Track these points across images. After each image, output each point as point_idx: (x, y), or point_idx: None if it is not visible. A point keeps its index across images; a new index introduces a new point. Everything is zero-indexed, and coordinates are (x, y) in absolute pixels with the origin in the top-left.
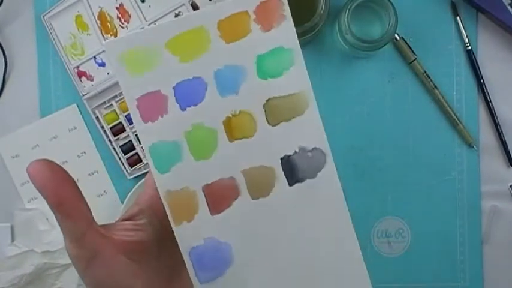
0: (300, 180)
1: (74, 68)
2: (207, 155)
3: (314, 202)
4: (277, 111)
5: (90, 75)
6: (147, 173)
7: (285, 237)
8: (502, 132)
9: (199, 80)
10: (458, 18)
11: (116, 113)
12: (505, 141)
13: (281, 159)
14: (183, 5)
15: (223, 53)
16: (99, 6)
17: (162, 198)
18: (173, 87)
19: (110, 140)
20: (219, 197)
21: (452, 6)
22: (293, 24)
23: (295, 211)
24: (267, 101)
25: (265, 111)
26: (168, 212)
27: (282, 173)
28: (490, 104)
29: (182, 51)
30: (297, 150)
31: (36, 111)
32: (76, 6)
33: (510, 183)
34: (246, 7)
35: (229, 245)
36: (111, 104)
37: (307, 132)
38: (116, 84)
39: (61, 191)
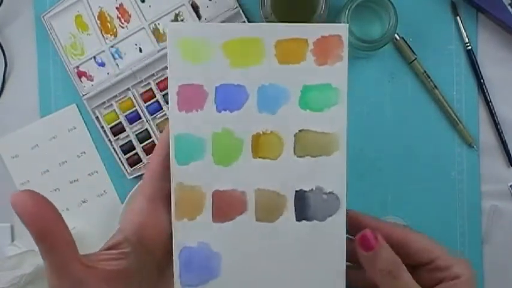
0: (308, 218)
1: (74, 68)
2: (227, 163)
3: (315, 245)
4: (307, 144)
5: (90, 75)
6: None
7: (276, 268)
8: (502, 132)
9: (243, 89)
10: (458, 18)
11: (116, 113)
12: (505, 141)
13: (296, 191)
14: (183, 5)
15: (273, 72)
16: (99, 6)
17: (172, 188)
18: (216, 87)
19: (109, 140)
20: (226, 207)
21: (452, 6)
22: (347, 66)
23: (294, 247)
24: (299, 131)
25: (295, 140)
26: (172, 203)
27: (293, 205)
28: (490, 104)
29: (235, 56)
30: (314, 189)
31: (36, 111)
32: (76, 6)
33: (510, 183)
34: (307, 36)
35: (220, 257)
36: (111, 104)
37: (329, 174)
38: (116, 84)
39: (45, 222)
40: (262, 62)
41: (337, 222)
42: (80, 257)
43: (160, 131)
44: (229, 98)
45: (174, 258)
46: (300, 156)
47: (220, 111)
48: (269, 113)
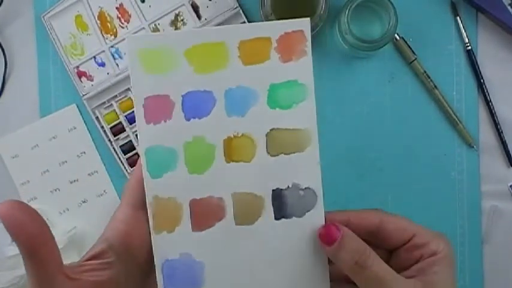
0: (287, 216)
1: (74, 68)
2: (201, 170)
3: (297, 241)
4: (279, 143)
5: (90, 75)
6: None
7: (259, 268)
8: (502, 132)
9: (210, 94)
10: (458, 18)
11: (116, 113)
12: (505, 141)
13: (273, 190)
14: (183, 5)
15: (239, 74)
16: (99, 6)
17: (147, 203)
18: (182, 95)
19: (109, 140)
20: (204, 214)
21: (452, 6)
22: (312, 61)
23: (275, 246)
24: (270, 130)
25: (267, 140)
26: (150, 217)
27: (271, 205)
28: (490, 104)
29: (199, 62)
30: (290, 186)
31: (36, 111)
32: (76, 6)
33: (510, 183)
34: (269, 34)
35: (203, 265)
36: (111, 104)
37: (303, 170)
38: (116, 84)
39: (33, 236)
40: (227, 65)
41: (316, 216)
42: (64, 269)
43: None
44: (197, 105)
45: (157, 271)
46: (274, 155)
47: (189, 120)
48: (238, 116)
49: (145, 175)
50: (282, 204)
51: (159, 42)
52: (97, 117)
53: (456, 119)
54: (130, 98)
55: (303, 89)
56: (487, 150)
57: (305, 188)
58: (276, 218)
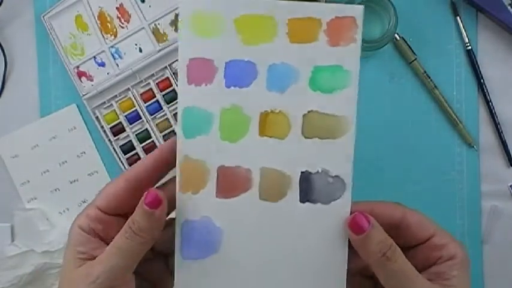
0: (312, 201)
1: (74, 68)
2: (234, 139)
3: (318, 228)
4: (315, 126)
5: (90, 75)
6: None
7: (277, 249)
8: (502, 132)
9: (253, 66)
10: (458, 18)
11: (116, 113)
12: (505, 141)
13: (302, 172)
14: None
15: (284, 50)
16: (99, 6)
17: (177, 161)
18: (226, 62)
19: (110, 140)
20: (230, 183)
21: (452, 6)
22: (360, 49)
23: (296, 228)
24: (308, 111)
25: (303, 121)
26: (177, 176)
27: (298, 186)
28: (490, 104)
29: (247, 33)
30: (320, 171)
31: (36, 111)
32: (76, 6)
33: (510, 183)
34: (320, 16)
35: (222, 232)
36: (111, 104)
37: (336, 158)
38: (116, 84)
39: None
40: (274, 39)
41: (342, 207)
42: None
43: (160, 131)
44: (239, 74)
45: (176, 230)
46: (308, 138)
47: (229, 87)
48: (278, 92)
49: (179, 134)
50: (309, 188)
51: (212, 6)
52: (97, 117)
53: (456, 119)
54: (130, 98)
55: (347, 76)
56: (487, 150)
57: (334, 176)
58: (301, 201)
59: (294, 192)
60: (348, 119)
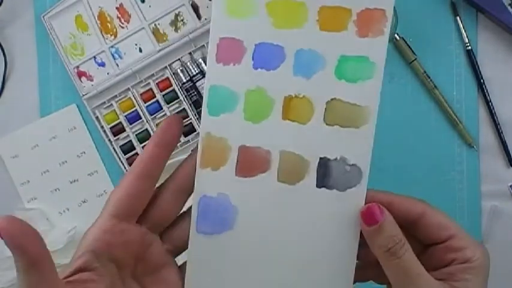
0: (328, 187)
1: (74, 68)
2: (257, 120)
3: (332, 214)
4: (337, 114)
5: (90, 75)
6: None
7: (290, 231)
8: (502, 132)
9: (281, 49)
10: (458, 18)
11: (116, 113)
12: (505, 141)
13: (320, 158)
14: (183, 5)
15: (313, 37)
16: (99, 6)
17: (200, 138)
18: (255, 44)
19: (110, 140)
20: (250, 163)
21: (452, 6)
22: (387, 42)
23: (310, 212)
24: (331, 99)
25: (326, 107)
26: (199, 152)
27: (315, 171)
28: (490, 104)
29: (278, 16)
30: (338, 158)
31: (36, 111)
32: (76, 6)
33: (510, 183)
34: (351, 6)
35: (237, 211)
36: (111, 104)
37: (355, 146)
38: (116, 84)
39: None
40: (304, 25)
41: (357, 196)
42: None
43: None
44: (267, 57)
45: (193, 204)
46: (329, 125)
47: (256, 69)
48: (304, 77)
49: (203, 111)
50: (326, 174)
51: None
52: (97, 117)
53: (456, 119)
54: (130, 98)
55: (373, 67)
56: (487, 150)
57: (352, 165)
58: (318, 186)
59: (311, 176)
60: (370, 110)
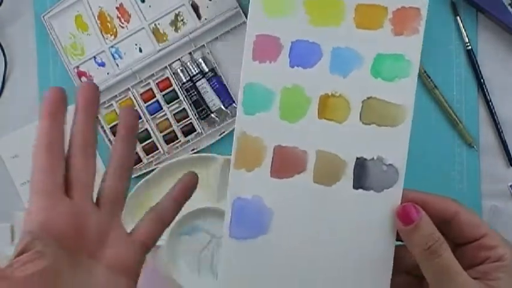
0: (365, 187)
1: (74, 68)
2: (293, 119)
3: (369, 215)
4: (374, 113)
5: (90, 75)
6: (147, 172)
7: (326, 233)
8: (502, 132)
9: (318, 47)
10: (458, 18)
11: (116, 113)
12: (505, 141)
13: (357, 158)
14: (183, 5)
15: (350, 35)
16: (99, 6)
17: (235, 137)
18: (292, 42)
19: (109, 140)
20: (286, 163)
21: (452, 6)
22: (422, 40)
23: (347, 213)
24: (368, 98)
25: (363, 106)
26: (233, 152)
27: (352, 172)
28: (490, 104)
29: (315, 14)
30: (375, 158)
31: (36, 111)
32: (76, 6)
33: (510, 183)
34: (387, 4)
35: (272, 213)
36: (111, 104)
37: (391, 146)
38: (116, 84)
39: None
40: (341, 23)
41: (393, 196)
42: None
43: (160, 131)
44: (304, 54)
45: (226, 207)
46: (366, 124)
47: (293, 67)
48: (340, 76)
49: (239, 109)
50: (363, 175)
51: None
52: (97, 117)
53: (456, 119)
54: (130, 98)
55: (408, 66)
56: (487, 150)
57: (389, 164)
58: (354, 187)
59: (348, 177)
60: (406, 108)
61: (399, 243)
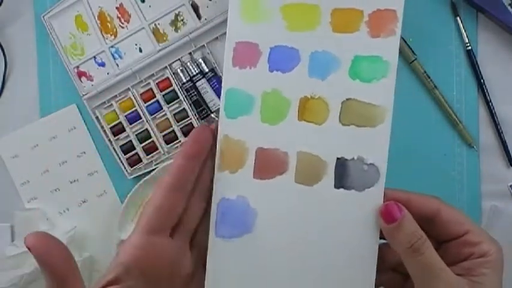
0: (346, 187)
1: (74, 68)
2: (274, 122)
3: (351, 214)
4: (352, 113)
5: (90, 75)
6: (147, 173)
7: (309, 231)
8: (502, 132)
9: (296, 52)
10: (458, 18)
11: (116, 113)
12: (505, 141)
13: (337, 158)
14: (183, 5)
15: (327, 39)
16: (99, 6)
17: (218, 140)
18: (270, 47)
19: (110, 140)
20: (267, 164)
21: (452, 6)
22: (399, 42)
23: (329, 213)
24: (347, 99)
25: (341, 108)
26: (217, 155)
27: (333, 172)
28: (490, 104)
29: (292, 20)
30: (355, 158)
31: (36, 111)
32: (76, 6)
33: (510, 183)
34: (363, 7)
35: (256, 213)
36: (111, 104)
37: (371, 146)
38: (116, 84)
39: (61, 269)
40: (317, 28)
41: (375, 195)
42: None
43: (160, 131)
44: (282, 59)
45: (212, 208)
46: (345, 125)
47: (272, 71)
48: (319, 79)
49: (221, 113)
50: (344, 174)
51: None
52: (97, 117)
53: (456, 119)
54: (130, 98)
55: (386, 67)
56: (487, 150)
57: (369, 164)
58: (336, 187)
59: (329, 177)
60: (385, 109)
61: (383, 241)
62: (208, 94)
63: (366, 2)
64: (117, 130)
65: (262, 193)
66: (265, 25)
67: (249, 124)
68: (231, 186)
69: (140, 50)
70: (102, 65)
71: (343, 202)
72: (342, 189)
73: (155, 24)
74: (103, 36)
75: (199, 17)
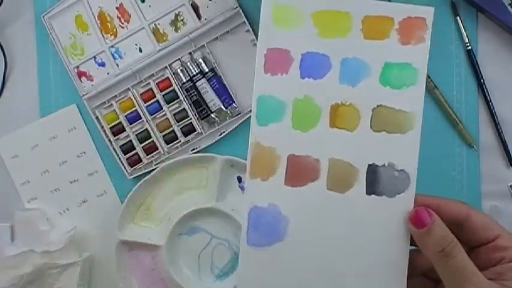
0: (377, 193)
1: (74, 68)
2: (305, 129)
3: (382, 220)
4: (383, 120)
5: (90, 75)
6: (147, 173)
7: (341, 239)
8: (502, 132)
9: (327, 59)
10: (458, 18)
11: (116, 113)
12: (505, 141)
13: (369, 165)
14: (183, 5)
15: (358, 46)
16: (99, 6)
17: (249, 147)
18: (302, 54)
19: (110, 140)
20: (299, 171)
21: (452, 6)
22: (429, 49)
23: (361, 219)
24: (377, 105)
25: (372, 114)
26: (248, 161)
27: (365, 178)
28: (490, 104)
29: (323, 26)
30: (386, 165)
31: (36, 111)
32: (76, 6)
33: (510, 183)
34: (393, 15)
35: (288, 221)
36: (111, 104)
37: (402, 152)
38: (116, 84)
39: None
40: (348, 35)
41: (406, 201)
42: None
43: (160, 131)
44: (314, 66)
45: (243, 215)
46: (376, 131)
47: (303, 78)
48: (349, 85)
49: (252, 120)
50: (375, 181)
51: (292, 0)
52: (97, 117)
53: (456, 119)
54: (130, 98)
55: (416, 73)
56: (487, 150)
57: (400, 170)
58: (367, 193)
59: (361, 184)
60: (415, 115)
61: (414, 247)
62: (208, 94)
63: (397, 10)
64: (117, 130)
65: (294, 201)
66: (296, 31)
67: (280, 131)
68: (262, 193)
69: (140, 50)
70: (102, 65)
71: (375, 208)
72: (373, 196)
73: (155, 24)
74: (103, 36)
75: (199, 17)
